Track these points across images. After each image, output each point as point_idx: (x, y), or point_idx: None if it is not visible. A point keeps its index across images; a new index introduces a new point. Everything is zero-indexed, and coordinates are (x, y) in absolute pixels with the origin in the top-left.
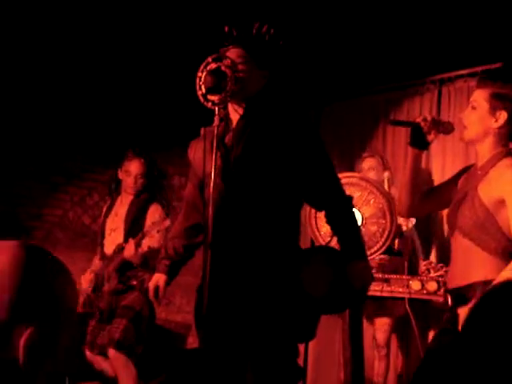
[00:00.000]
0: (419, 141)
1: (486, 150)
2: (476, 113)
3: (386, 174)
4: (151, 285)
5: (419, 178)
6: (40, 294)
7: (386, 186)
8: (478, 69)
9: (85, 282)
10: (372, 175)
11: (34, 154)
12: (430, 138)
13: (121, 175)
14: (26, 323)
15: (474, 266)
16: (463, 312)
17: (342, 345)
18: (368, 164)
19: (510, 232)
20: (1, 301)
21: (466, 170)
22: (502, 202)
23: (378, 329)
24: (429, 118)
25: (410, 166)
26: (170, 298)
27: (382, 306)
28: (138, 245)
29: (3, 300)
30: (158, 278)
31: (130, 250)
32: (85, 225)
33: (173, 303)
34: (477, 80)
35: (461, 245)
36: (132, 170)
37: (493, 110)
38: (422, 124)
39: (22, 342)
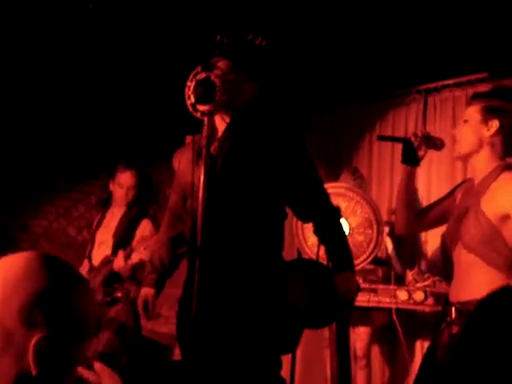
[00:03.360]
0: (411, 157)
1: (481, 163)
2: (468, 125)
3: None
4: (140, 300)
5: (414, 195)
6: (53, 302)
7: None
8: (464, 79)
9: None
10: None
11: (20, 166)
12: (420, 153)
13: (112, 187)
14: (37, 330)
15: (480, 281)
16: None
17: (330, 355)
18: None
19: None
20: (12, 309)
21: (461, 184)
22: (506, 218)
23: (357, 338)
24: (419, 134)
25: (404, 183)
26: (158, 311)
27: (363, 315)
28: (127, 257)
29: (14, 308)
30: (147, 293)
31: (119, 262)
32: (70, 236)
33: (160, 315)
34: (469, 99)
35: (465, 260)
36: (123, 182)
37: (485, 120)
38: (413, 139)
39: (31, 346)
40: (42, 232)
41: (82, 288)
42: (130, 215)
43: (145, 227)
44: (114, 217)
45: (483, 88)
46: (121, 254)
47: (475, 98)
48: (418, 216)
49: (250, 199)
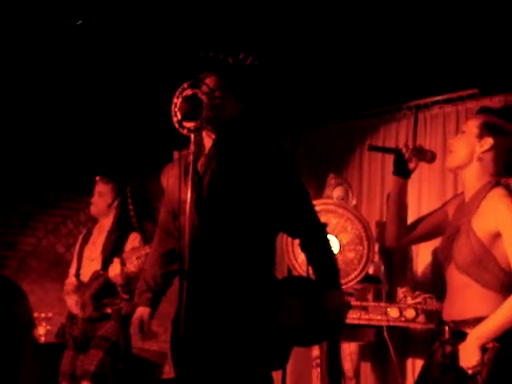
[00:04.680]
0: (402, 169)
1: (472, 178)
2: (464, 136)
3: (354, 202)
4: (136, 320)
5: (405, 208)
6: None
7: None
8: (454, 95)
9: (72, 306)
10: None
11: (8, 182)
12: (411, 166)
13: (94, 200)
14: None
15: (473, 301)
16: (462, 348)
17: (320, 375)
18: (337, 193)
19: (509, 266)
20: None
21: (452, 198)
22: (497, 236)
23: (346, 358)
24: (411, 146)
25: (395, 195)
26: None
27: (351, 332)
28: (122, 263)
29: None
30: (142, 312)
31: (115, 269)
32: (58, 253)
33: (156, 335)
34: (474, 112)
35: (457, 280)
36: (103, 190)
37: (480, 136)
38: (404, 151)
39: None
40: (30, 249)
41: (19, 299)
42: (117, 229)
43: (133, 240)
44: (100, 232)
45: (473, 104)
46: (116, 260)
47: (480, 112)
48: (408, 229)
49: (239, 216)
